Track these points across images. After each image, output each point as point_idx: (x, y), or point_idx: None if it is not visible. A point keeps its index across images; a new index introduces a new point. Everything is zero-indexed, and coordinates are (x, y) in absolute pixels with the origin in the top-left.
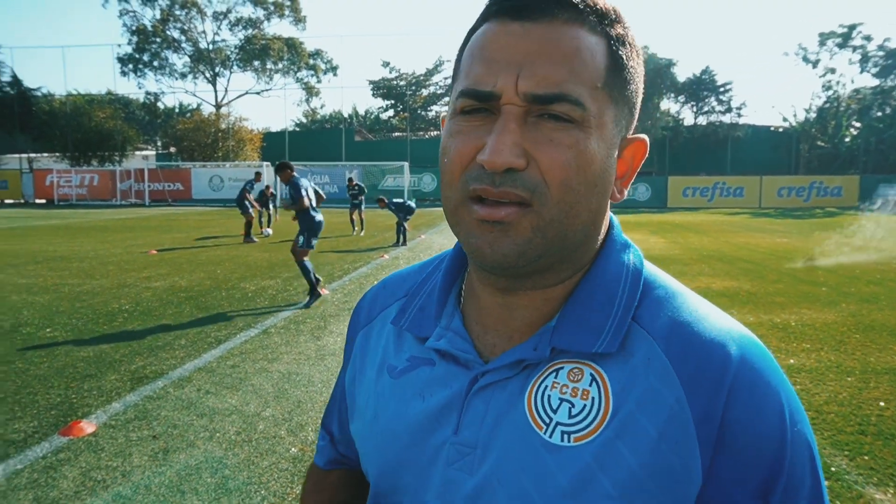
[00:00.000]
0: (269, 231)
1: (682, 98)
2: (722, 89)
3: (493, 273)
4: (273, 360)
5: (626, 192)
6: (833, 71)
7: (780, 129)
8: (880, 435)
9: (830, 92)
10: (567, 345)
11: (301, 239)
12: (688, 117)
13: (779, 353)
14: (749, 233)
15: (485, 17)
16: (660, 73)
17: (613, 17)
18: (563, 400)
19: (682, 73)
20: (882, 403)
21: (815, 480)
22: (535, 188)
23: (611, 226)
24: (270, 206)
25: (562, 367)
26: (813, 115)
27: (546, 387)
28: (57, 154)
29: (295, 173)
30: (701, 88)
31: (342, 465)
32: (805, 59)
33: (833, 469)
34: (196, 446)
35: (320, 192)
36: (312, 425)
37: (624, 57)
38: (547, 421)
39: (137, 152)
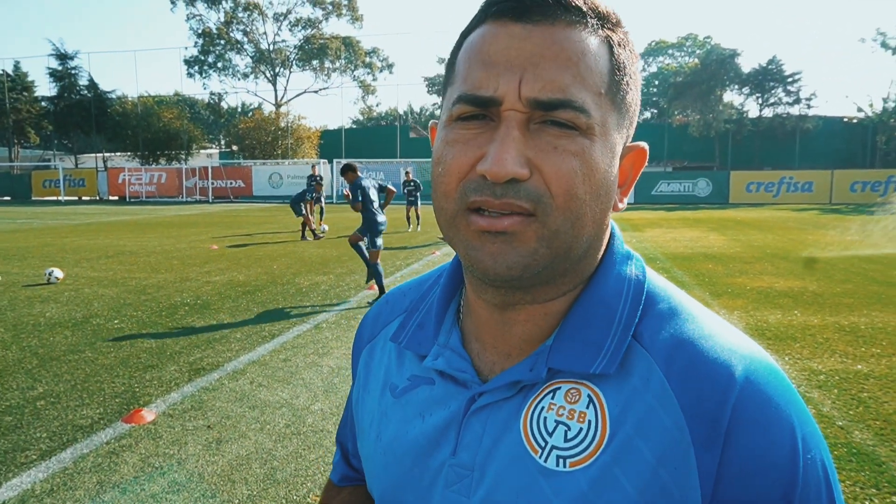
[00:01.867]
0: (326, 227)
1: (746, 90)
2: (790, 79)
3: (494, 286)
4: (323, 355)
5: (625, 202)
6: None
7: (855, 121)
8: None
9: None
10: (563, 365)
11: (366, 240)
12: (752, 109)
13: (846, 359)
14: (818, 230)
15: (482, 18)
16: (723, 65)
17: (615, 20)
18: (558, 422)
19: (747, 64)
20: None
21: None
22: (540, 199)
23: (612, 236)
24: (322, 201)
25: (559, 388)
26: (892, 104)
27: (542, 408)
28: (128, 153)
29: (359, 174)
30: (767, 79)
31: (354, 482)
32: (884, 45)
33: None
34: (247, 437)
35: (389, 186)
36: None
37: (626, 62)
38: (542, 444)
39: (202, 151)
